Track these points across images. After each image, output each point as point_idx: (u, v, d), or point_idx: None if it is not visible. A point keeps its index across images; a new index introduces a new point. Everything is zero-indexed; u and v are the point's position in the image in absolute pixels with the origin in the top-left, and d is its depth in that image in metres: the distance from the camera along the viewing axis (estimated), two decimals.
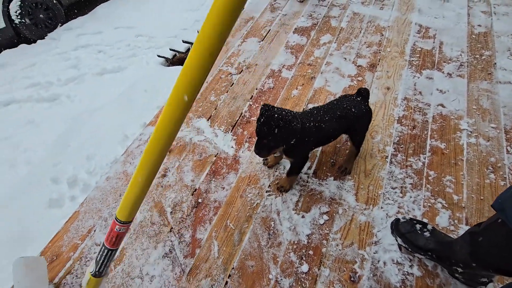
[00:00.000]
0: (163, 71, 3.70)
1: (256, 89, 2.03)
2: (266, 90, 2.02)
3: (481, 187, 1.48)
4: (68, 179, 2.25)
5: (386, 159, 1.60)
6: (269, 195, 1.47)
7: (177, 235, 1.34)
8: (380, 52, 2.27)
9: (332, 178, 1.53)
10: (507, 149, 1.63)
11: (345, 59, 2.23)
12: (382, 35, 2.43)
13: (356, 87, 2.01)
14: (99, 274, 0.93)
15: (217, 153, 1.66)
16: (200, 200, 1.46)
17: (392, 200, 1.45)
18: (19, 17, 4.21)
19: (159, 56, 3.85)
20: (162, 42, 4.19)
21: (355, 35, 2.44)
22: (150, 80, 3.46)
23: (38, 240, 1.36)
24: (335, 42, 2.38)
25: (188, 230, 1.36)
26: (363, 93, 1.40)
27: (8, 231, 2.02)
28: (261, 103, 1.91)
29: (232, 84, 2.07)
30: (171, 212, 1.42)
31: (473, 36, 2.36)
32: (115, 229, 0.81)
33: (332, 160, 1.60)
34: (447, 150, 1.64)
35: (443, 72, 2.09)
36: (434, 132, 1.73)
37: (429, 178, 1.53)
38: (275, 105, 1.28)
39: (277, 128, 1.11)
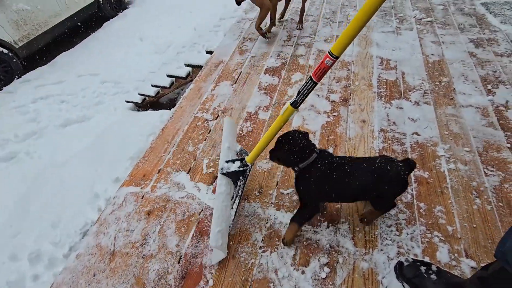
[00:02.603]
0: (134, 117, 3.52)
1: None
2: (246, 134, 1.97)
3: (471, 214, 1.49)
4: (29, 255, 1.96)
5: None
6: (264, 251, 1.36)
7: None
8: (350, 86, 2.36)
9: (326, 223, 1.46)
10: (484, 171, 1.69)
11: (318, 95, 2.27)
12: (349, 69, 2.54)
13: (333, 123, 2.03)
14: (296, 104, 1.12)
15: (202, 210, 1.53)
16: (188, 268, 1.31)
17: (390, 240, 1.40)
18: None
19: (127, 101, 3.71)
20: (130, 87, 4.07)
21: None
22: (119, 128, 3.26)
23: None
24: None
25: None
26: (412, 164, 1.30)
27: None
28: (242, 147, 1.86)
29: (210, 131, 2.00)
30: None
31: (429, 65, 2.55)
32: (325, 62, 0.94)
33: (323, 205, 1.55)
34: (431, 179, 1.66)
35: (410, 101, 2.20)
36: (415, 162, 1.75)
37: (421, 210, 1.51)
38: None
39: (287, 146, 1.20)
